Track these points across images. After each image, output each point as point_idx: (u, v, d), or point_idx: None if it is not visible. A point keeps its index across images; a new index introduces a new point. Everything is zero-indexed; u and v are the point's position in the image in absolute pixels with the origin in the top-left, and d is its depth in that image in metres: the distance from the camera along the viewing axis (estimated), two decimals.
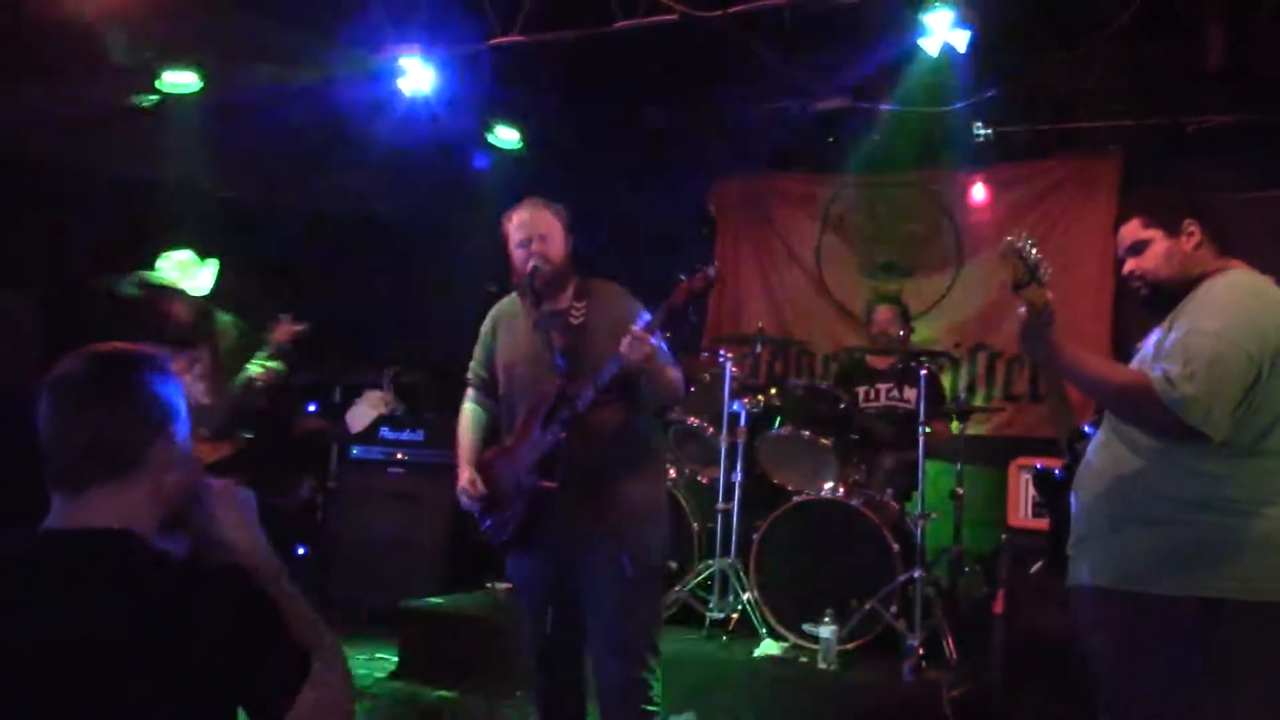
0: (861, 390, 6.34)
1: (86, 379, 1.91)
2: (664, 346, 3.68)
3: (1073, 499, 3.07)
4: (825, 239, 7.96)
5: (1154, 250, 3.03)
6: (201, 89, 6.14)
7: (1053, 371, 3.23)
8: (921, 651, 5.15)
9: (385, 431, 7.25)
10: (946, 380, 7.10)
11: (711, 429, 6.09)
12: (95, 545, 1.83)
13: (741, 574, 5.69)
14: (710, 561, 5.79)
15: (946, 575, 5.83)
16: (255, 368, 5.27)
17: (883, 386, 6.31)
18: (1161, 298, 3.01)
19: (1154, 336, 2.98)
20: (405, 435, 7.18)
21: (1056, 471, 3.29)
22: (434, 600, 6.31)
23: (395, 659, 5.99)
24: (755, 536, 5.65)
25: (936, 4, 5.29)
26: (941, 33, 5.38)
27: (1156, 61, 5.94)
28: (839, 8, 5.43)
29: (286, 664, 1.86)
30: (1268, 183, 6.45)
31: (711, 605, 5.74)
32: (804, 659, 5.29)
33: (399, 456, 7.13)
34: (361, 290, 5.36)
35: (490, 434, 4.08)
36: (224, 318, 5.49)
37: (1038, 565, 4.53)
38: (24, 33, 5.34)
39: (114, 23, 5.43)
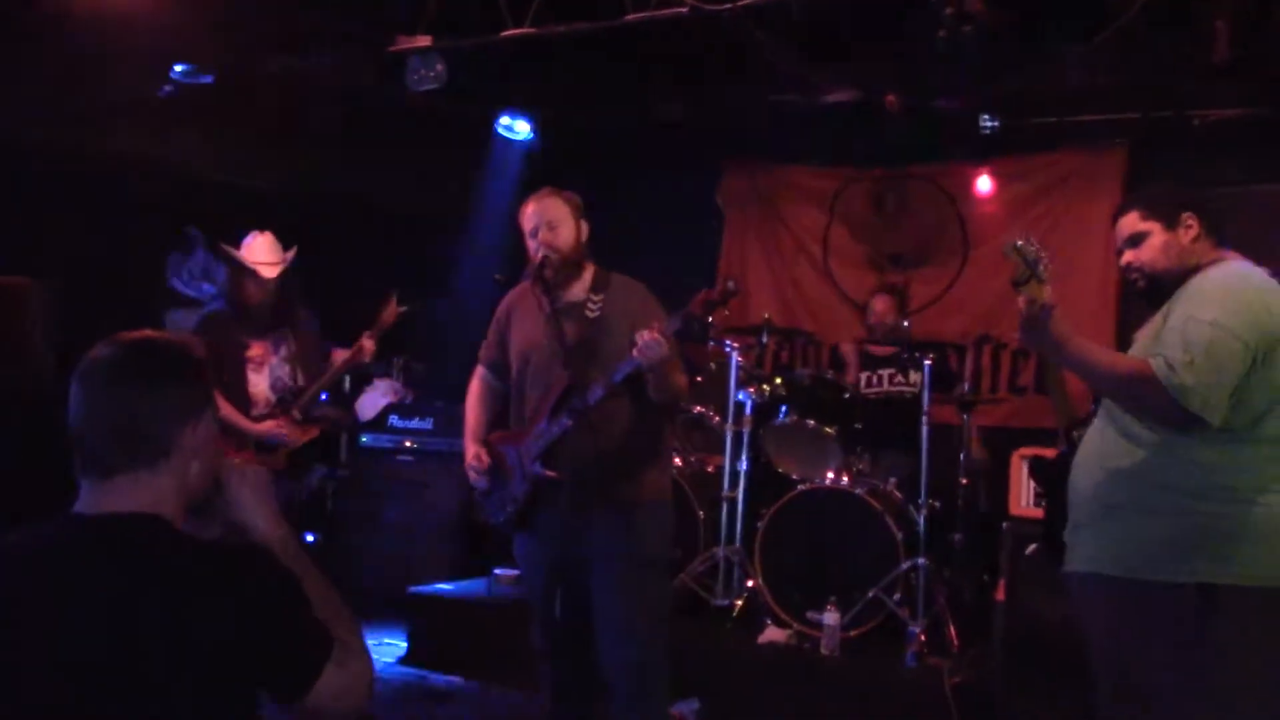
0: (864, 376, 6.38)
1: (118, 366, 1.89)
2: (677, 353, 3.71)
3: (1070, 487, 3.11)
4: (833, 231, 7.99)
5: (1152, 242, 3.06)
6: (215, 78, 6.19)
7: (1054, 363, 3.27)
8: (924, 639, 5.20)
9: (395, 420, 7.30)
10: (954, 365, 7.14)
11: (717, 418, 6.15)
12: (126, 529, 1.83)
13: (746, 562, 5.74)
14: (715, 549, 5.84)
15: (949, 564, 5.88)
16: (365, 345, 5.14)
17: (885, 372, 6.35)
18: (1158, 289, 3.05)
19: (1150, 325, 3.03)
20: (414, 424, 7.23)
21: (1051, 460, 3.34)
22: (442, 586, 6.38)
23: (404, 645, 6.06)
24: (760, 525, 5.70)
25: None
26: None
27: (1163, 55, 5.95)
28: (846, 1, 5.46)
29: (312, 643, 1.88)
30: (1274, 175, 6.46)
31: (716, 593, 5.79)
32: (807, 646, 5.34)
33: (408, 444, 7.19)
34: (371, 278, 5.43)
35: (497, 415, 4.10)
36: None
37: (1032, 547, 4.58)
38: (37, 22, 5.39)
39: (128, 12, 5.48)
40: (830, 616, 5.24)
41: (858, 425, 5.93)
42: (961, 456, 5.93)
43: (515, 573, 5.71)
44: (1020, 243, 2.94)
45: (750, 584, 5.70)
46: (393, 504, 7.06)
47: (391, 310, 5.20)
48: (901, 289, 6.93)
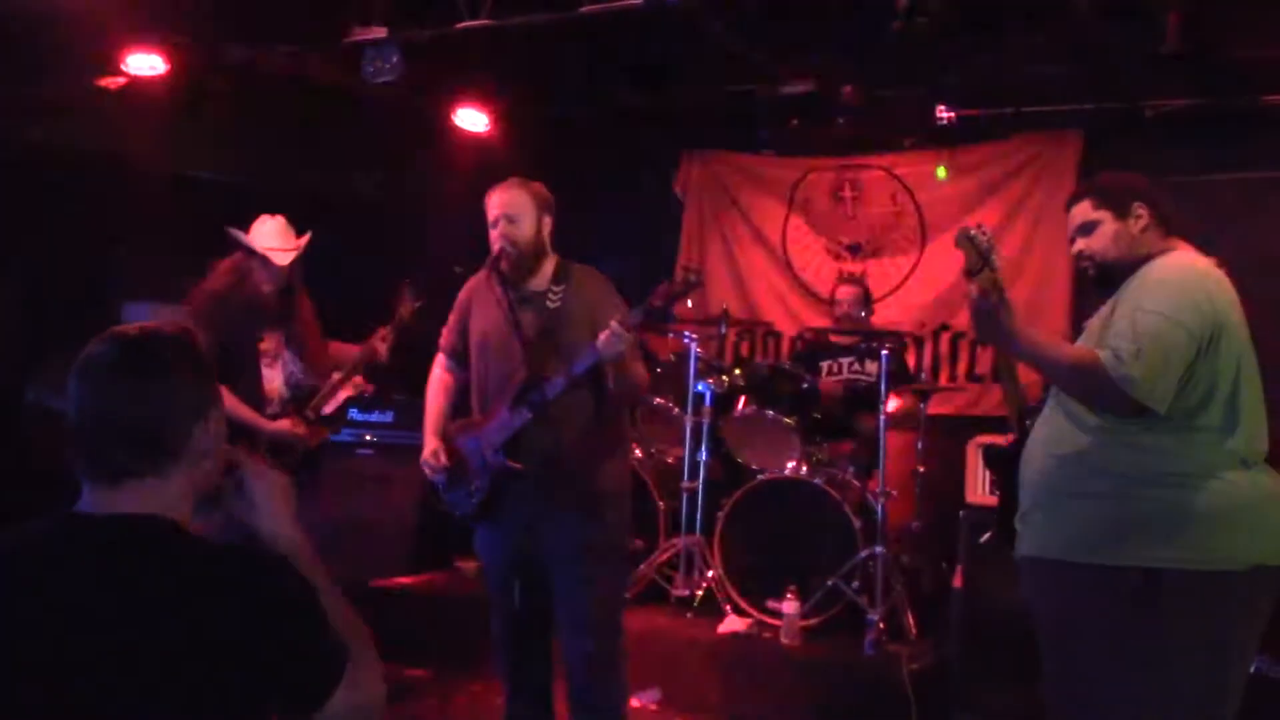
0: (825, 364, 6.42)
1: (122, 362, 1.80)
2: (637, 345, 3.72)
3: (1020, 474, 3.14)
4: (791, 221, 8.01)
5: (1103, 231, 3.10)
6: (168, 71, 6.12)
7: (1005, 352, 3.31)
8: (882, 626, 5.25)
9: (354, 413, 7.26)
10: (911, 360, 7.19)
11: (677, 409, 6.17)
12: (135, 531, 1.75)
13: (706, 552, 5.77)
14: (676, 540, 5.87)
15: (907, 552, 5.92)
16: (379, 345, 4.80)
17: (845, 360, 6.39)
18: (1108, 277, 3.09)
19: (1100, 314, 3.06)
20: (374, 417, 7.19)
21: (1004, 447, 3.37)
22: (403, 580, 6.36)
23: None
24: (720, 515, 5.73)
25: None
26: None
27: (1115, 45, 6.00)
28: None
29: (327, 658, 1.80)
30: (1225, 165, 6.54)
31: (677, 583, 5.82)
32: (767, 635, 5.38)
33: (368, 438, 7.15)
34: (329, 271, 5.37)
35: (458, 403, 4.10)
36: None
37: (987, 535, 4.62)
38: None
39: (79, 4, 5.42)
40: (790, 605, 5.28)
41: (817, 415, 5.97)
42: (918, 445, 5.97)
43: (476, 565, 5.70)
44: (973, 232, 2.97)
45: (710, 574, 5.73)
46: (353, 497, 7.02)
47: (408, 305, 4.82)
48: (862, 279, 6.99)
